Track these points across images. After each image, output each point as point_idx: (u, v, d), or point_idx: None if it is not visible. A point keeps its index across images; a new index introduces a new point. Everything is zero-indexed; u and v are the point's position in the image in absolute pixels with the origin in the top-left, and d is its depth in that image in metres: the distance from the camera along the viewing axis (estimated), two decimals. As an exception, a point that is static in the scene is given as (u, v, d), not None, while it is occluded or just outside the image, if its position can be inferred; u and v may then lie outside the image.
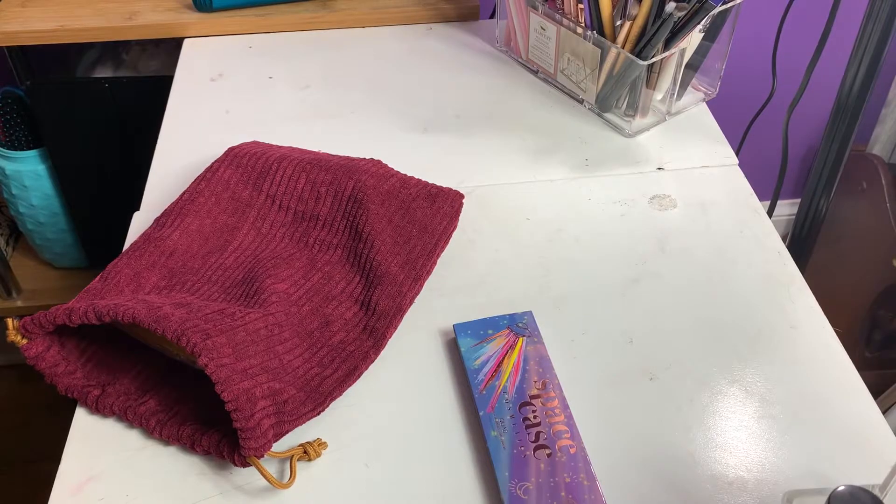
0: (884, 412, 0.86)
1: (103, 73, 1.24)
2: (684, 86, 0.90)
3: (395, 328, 0.66)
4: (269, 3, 1.06)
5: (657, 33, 0.79)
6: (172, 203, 0.73)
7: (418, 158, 0.84)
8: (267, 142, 0.82)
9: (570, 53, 0.88)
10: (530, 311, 0.67)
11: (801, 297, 0.71)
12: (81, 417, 0.62)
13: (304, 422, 0.59)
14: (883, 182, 1.48)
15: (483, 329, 0.65)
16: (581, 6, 0.84)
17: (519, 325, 0.65)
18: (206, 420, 0.59)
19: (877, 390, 1.05)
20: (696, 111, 0.91)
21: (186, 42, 1.03)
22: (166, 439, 0.59)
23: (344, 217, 0.72)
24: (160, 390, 0.62)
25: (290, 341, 0.62)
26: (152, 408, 0.60)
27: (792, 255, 0.75)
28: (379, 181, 0.73)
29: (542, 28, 0.90)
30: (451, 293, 0.71)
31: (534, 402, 0.60)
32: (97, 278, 0.66)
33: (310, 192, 0.74)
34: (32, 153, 1.29)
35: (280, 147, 0.80)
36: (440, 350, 0.66)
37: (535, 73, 0.96)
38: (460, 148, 0.86)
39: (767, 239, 0.76)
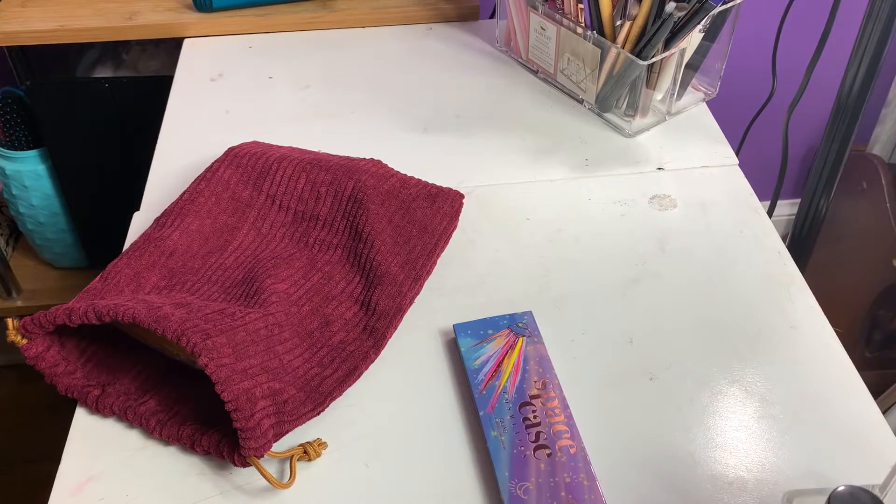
0: (884, 412, 0.86)
1: (103, 73, 1.24)
2: (684, 86, 0.90)
3: (395, 328, 0.66)
4: (269, 3, 1.06)
5: (657, 33, 0.79)
6: (172, 203, 0.73)
7: (418, 158, 0.84)
8: (267, 142, 0.82)
9: (570, 53, 0.88)
10: (530, 311, 0.67)
11: (801, 297, 0.71)
12: (81, 417, 0.62)
13: (304, 422, 0.59)
14: (883, 182, 1.48)
15: (483, 329, 0.65)
16: (581, 6, 0.84)
17: (519, 325, 0.65)
18: (206, 420, 0.59)
19: (877, 390, 1.05)
20: (696, 111, 0.91)
21: (186, 42, 1.03)
22: (166, 439, 0.59)
23: (344, 217, 0.72)
24: (160, 390, 0.62)
25: (290, 341, 0.62)
26: (152, 408, 0.60)
27: (792, 255, 0.75)
28: (379, 181, 0.73)
29: (542, 28, 0.90)
30: (451, 293, 0.71)
31: (534, 402, 0.60)
32: (97, 278, 0.66)
33: (310, 192, 0.74)
34: (32, 153, 1.29)
35: (280, 147, 0.80)
36: (440, 350, 0.66)
37: (535, 73, 0.96)
38: (460, 148, 0.86)
39: (767, 239, 0.76)
